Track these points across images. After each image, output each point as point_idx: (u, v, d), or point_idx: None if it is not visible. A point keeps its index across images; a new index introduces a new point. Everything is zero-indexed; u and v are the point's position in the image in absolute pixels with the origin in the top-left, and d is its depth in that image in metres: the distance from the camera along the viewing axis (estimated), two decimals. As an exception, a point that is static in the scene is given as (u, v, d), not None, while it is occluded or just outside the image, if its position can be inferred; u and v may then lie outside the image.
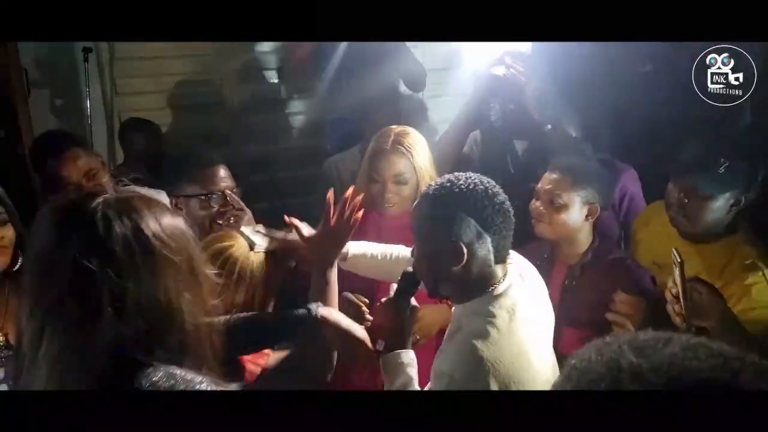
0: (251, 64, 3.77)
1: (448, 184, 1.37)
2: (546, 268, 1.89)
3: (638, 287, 1.82)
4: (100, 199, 0.95)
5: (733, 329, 1.55)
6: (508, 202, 1.38)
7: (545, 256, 1.97)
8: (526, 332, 1.37)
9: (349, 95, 3.20)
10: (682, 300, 1.49)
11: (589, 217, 1.90)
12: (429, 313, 1.87)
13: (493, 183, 1.39)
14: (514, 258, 1.48)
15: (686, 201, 1.82)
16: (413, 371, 1.48)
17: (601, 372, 0.57)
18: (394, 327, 1.52)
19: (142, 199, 1.00)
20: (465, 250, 1.33)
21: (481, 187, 1.36)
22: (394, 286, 1.57)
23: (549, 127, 2.19)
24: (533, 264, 1.58)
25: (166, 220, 0.98)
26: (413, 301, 1.57)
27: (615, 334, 0.62)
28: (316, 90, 3.72)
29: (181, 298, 0.97)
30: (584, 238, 1.94)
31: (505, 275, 1.41)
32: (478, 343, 1.31)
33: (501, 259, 1.40)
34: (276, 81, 3.59)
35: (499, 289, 1.39)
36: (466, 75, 2.53)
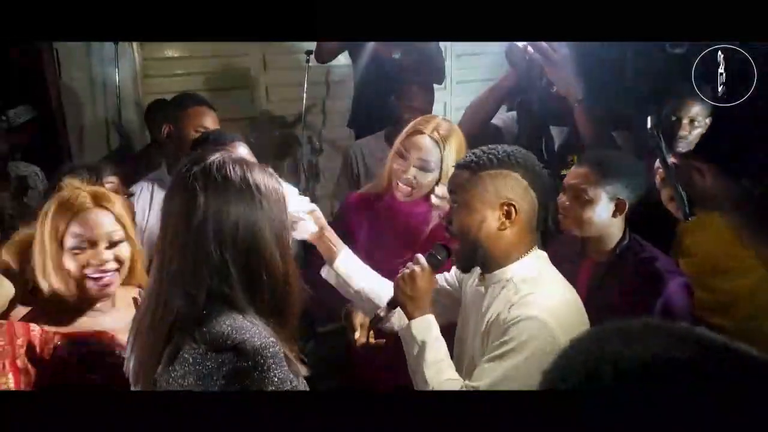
0: (280, 48, 3.74)
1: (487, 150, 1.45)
2: (576, 264, 1.84)
3: (665, 293, 1.69)
4: (217, 155, 1.14)
5: (761, 215, 1.23)
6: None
7: (577, 251, 1.88)
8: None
9: (377, 81, 3.16)
10: (671, 182, 1.19)
11: (618, 214, 1.80)
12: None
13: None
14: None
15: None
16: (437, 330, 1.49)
17: (586, 358, 0.59)
18: (420, 294, 1.51)
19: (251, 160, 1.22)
20: (514, 208, 1.41)
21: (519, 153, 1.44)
22: (421, 258, 1.55)
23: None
24: (565, 260, 1.61)
25: (266, 177, 1.16)
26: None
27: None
28: (345, 75, 3.69)
29: (277, 240, 1.12)
30: (614, 235, 1.84)
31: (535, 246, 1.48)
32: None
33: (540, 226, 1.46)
34: (304, 65, 3.56)
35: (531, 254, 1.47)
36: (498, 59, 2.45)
